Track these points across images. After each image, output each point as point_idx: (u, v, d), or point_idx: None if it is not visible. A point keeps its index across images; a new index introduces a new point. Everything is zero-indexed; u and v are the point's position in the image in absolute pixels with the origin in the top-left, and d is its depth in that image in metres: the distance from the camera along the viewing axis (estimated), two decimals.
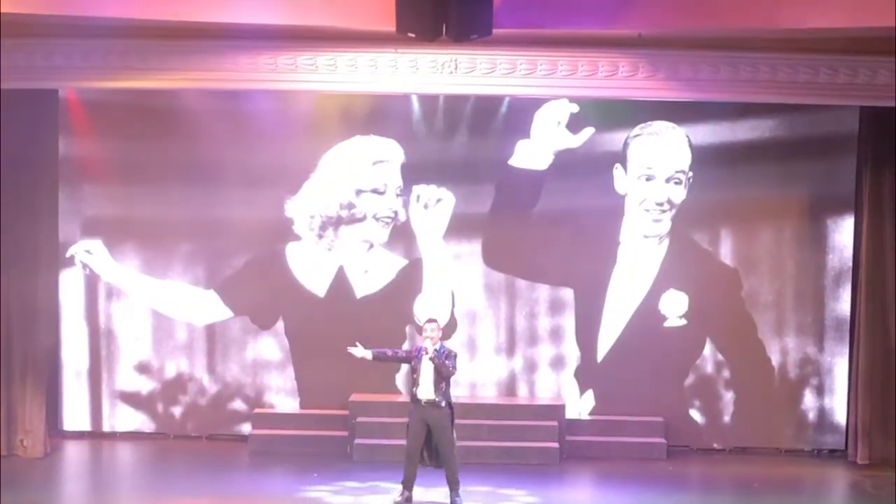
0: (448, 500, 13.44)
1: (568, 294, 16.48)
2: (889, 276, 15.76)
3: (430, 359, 13.30)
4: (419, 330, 15.58)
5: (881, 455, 15.74)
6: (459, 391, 14.16)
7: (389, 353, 13.89)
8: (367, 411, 15.93)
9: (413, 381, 13.54)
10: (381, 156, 16.34)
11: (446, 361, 13.31)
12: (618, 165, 16.27)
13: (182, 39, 13.84)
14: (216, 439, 16.50)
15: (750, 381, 16.40)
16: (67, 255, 16.40)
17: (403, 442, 13.66)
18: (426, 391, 13.36)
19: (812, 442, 16.41)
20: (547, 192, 16.26)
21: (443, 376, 13.32)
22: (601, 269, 16.38)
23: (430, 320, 13.63)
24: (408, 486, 13.44)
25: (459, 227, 16.40)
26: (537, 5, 13.14)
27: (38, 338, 15.58)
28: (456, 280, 16.48)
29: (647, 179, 16.29)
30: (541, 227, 16.29)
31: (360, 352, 13.63)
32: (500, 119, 16.20)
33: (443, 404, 13.37)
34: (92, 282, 16.50)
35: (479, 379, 16.50)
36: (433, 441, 13.40)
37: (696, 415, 16.45)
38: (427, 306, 16.17)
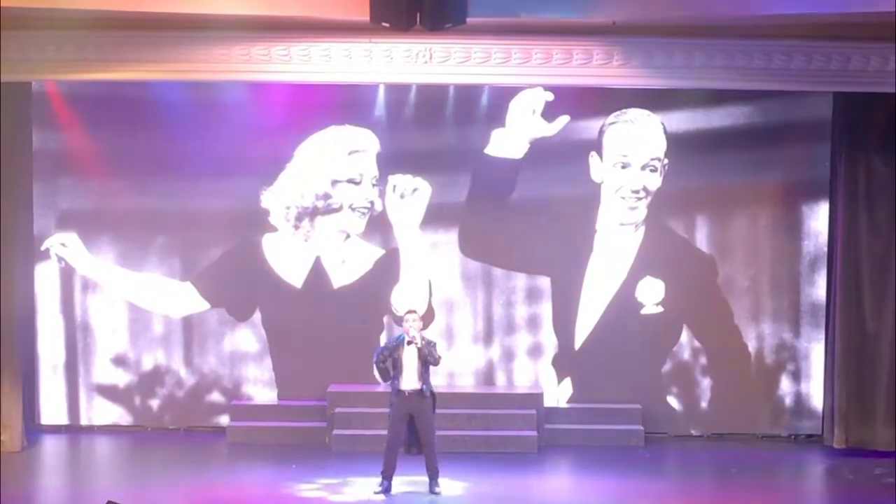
0: (427, 490, 13.46)
1: (545, 282, 16.49)
2: (864, 261, 15.81)
3: (420, 347, 13.31)
4: (397, 320, 15.61)
5: (858, 439, 15.81)
6: (437, 381, 14.19)
7: (389, 365, 13.61)
8: (345, 402, 15.92)
9: (395, 372, 13.50)
10: (357, 146, 16.32)
11: (434, 351, 13.35)
12: (593, 153, 16.28)
13: (156, 31, 13.78)
14: (194, 431, 16.47)
15: (727, 367, 16.45)
16: (42, 248, 16.34)
17: (382, 432, 13.66)
18: (410, 381, 13.36)
19: (789, 427, 16.47)
20: (523, 181, 16.26)
21: (428, 365, 13.34)
22: (578, 257, 16.41)
23: (410, 311, 13.64)
24: (387, 475, 13.45)
25: (436, 217, 16.39)
26: None
27: (14, 332, 15.50)
28: (433, 269, 16.48)
29: (623, 167, 16.31)
30: (517, 216, 16.30)
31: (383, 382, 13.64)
32: (475, 108, 16.20)
33: (427, 394, 13.40)
34: (67, 275, 16.45)
35: (456, 368, 16.50)
36: (415, 429, 13.40)
37: (673, 401, 16.50)
38: (404, 296, 16.17)
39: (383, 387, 14.71)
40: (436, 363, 13.44)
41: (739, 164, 16.22)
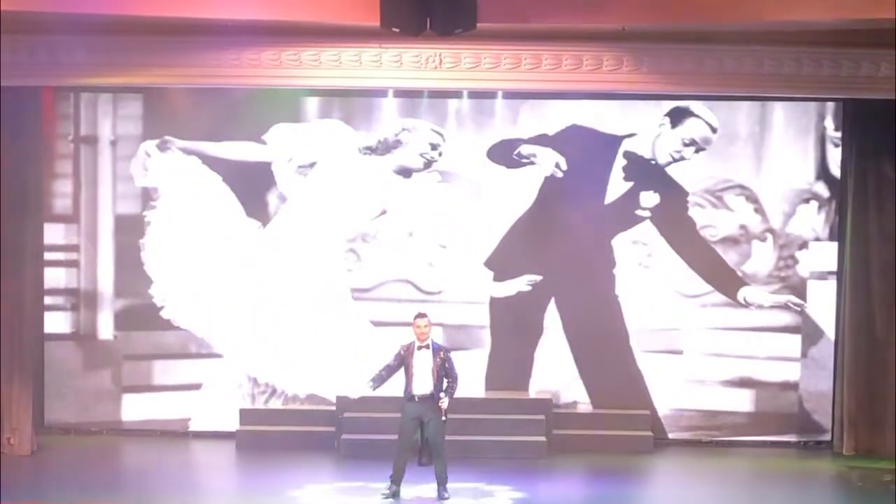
0: (436, 495, 13.45)
1: (556, 287, 16.47)
2: (873, 268, 15.82)
3: (436, 352, 13.30)
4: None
5: (867, 446, 15.81)
6: None
7: (385, 373, 13.55)
8: (354, 407, 15.90)
9: (406, 377, 13.46)
10: (369, 151, 16.34)
11: (446, 365, 13.31)
12: (603, 162, 16.28)
13: (167, 36, 13.83)
14: (203, 435, 16.48)
15: (737, 373, 16.43)
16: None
17: (391, 437, 13.65)
18: (423, 386, 13.30)
19: (798, 433, 16.46)
20: (535, 188, 16.29)
21: (443, 371, 13.29)
22: (591, 263, 16.39)
23: (421, 315, 13.60)
24: (396, 480, 13.44)
25: (447, 223, 16.40)
26: None
27: (23, 335, 15.54)
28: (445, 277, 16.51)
29: (637, 175, 16.30)
30: (529, 222, 16.31)
31: (364, 390, 13.59)
32: (486, 114, 16.23)
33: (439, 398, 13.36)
34: (74, 278, 16.46)
35: (466, 373, 16.47)
36: (425, 436, 13.38)
37: (683, 407, 16.48)
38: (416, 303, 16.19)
39: (392, 392, 14.71)
40: (455, 376, 13.40)
41: (749, 171, 16.25)
